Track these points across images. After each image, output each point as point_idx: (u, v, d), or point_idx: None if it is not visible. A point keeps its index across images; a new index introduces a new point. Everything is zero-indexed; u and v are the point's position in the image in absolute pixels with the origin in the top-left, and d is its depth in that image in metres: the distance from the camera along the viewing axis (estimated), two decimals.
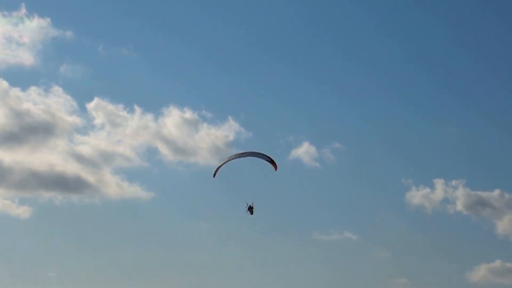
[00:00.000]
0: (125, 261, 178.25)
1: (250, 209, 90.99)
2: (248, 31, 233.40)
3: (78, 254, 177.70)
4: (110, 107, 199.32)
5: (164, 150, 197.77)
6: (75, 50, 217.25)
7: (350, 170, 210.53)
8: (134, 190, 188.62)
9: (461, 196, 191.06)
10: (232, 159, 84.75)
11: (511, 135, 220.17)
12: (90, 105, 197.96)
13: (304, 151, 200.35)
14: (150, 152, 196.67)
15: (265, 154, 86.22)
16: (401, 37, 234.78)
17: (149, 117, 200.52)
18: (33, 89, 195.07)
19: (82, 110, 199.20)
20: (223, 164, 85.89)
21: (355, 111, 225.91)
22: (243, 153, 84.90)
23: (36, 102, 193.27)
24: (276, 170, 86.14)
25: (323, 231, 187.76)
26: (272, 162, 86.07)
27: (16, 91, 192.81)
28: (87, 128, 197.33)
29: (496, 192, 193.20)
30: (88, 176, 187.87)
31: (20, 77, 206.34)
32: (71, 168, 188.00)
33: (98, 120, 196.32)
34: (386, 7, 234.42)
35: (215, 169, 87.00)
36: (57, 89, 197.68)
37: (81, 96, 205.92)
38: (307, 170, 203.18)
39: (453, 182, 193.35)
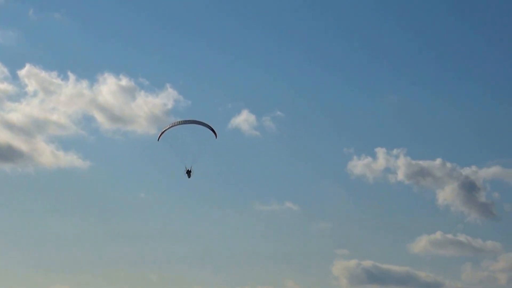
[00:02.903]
0: (61, 231, 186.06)
1: (188, 172, 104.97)
2: None
3: (12, 225, 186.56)
4: (43, 74, 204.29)
5: (100, 118, 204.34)
6: (4, 14, 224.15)
7: (291, 139, 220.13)
8: (70, 159, 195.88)
9: (402, 165, 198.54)
10: (176, 125, 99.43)
11: (452, 103, 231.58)
12: (22, 72, 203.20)
13: (244, 119, 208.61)
14: (86, 120, 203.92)
15: (206, 124, 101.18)
16: (338, 7, 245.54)
17: (84, 84, 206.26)
18: None
19: (13, 77, 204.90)
20: (167, 129, 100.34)
21: (296, 79, 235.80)
22: (187, 120, 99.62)
23: None
24: (216, 137, 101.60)
25: (264, 201, 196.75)
26: (213, 130, 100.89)
27: None
28: (19, 95, 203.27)
29: (438, 161, 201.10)
30: (20, 144, 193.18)
31: None
32: (2, 136, 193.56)
33: (31, 87, 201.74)
34: None
35: (160, 133, 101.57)
36: None
37: (11, 62, 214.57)
38: (246, 139, 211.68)
39: (394, 151, 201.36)
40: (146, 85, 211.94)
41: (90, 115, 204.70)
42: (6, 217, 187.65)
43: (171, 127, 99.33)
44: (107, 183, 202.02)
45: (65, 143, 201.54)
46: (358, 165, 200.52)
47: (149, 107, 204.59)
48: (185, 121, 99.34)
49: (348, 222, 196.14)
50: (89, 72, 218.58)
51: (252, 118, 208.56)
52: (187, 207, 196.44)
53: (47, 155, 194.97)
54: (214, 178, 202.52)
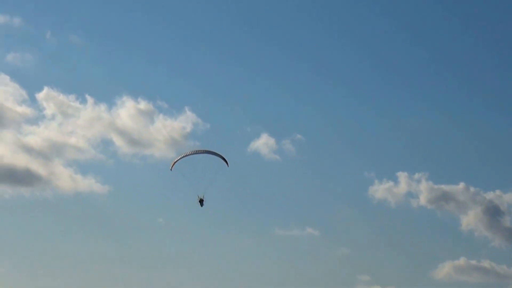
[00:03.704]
0: (79, 257, 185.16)
1: (201, 201, 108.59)
2: (203, 18, 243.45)
3: (29, 249, 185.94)
4: (61, 97, 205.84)
5: (118, 141, 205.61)
6: (22, 37, 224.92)
7: (312, 163, 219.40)
8: (89, 183, 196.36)
9: (424, 190, 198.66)
10: (189, 154, 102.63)
11: (474, 127, 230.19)
12: (40, 95, 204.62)
13: (263, 142, 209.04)
14: (104, 144, 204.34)
15: (218, 153, 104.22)
16: (360, 31, 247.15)
17: (102, 107, 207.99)
18: None
19: (32, 100, 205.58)
20: (180, 158, 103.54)
21: (316, 102, 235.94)
22: (199, 150, 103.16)
23: None
24: (228, 166, 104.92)
25: (284, 227, 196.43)
26: (224, 160, 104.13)
27: None
28: (38, 118, 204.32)
29: (461, 185, 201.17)
30: (38, 168, 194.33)
31: None
32: (21, 160, 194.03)
33: (49, 110, 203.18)
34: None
35: (172, 163, 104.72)
36: (3, 78, 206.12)
37: (30, 85, 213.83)
38: (266, 163, 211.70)
39: (416, 176, 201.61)
40: (165, 108, 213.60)
41: (109, 138, 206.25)
42: (23, 242, 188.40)
43: (183, 157, 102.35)
44: (125, 208, 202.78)
45: (83, 167, 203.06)
46: (380, 190, 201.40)
47: (167, 130, 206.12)
48: (197, 151, 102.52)
49: (370, 247, 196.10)
50: (107, 95, 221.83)
51: (271, 141, 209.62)
52: (206, 232, 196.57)
53: (65, 179, 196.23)
54: (234, 202, 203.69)
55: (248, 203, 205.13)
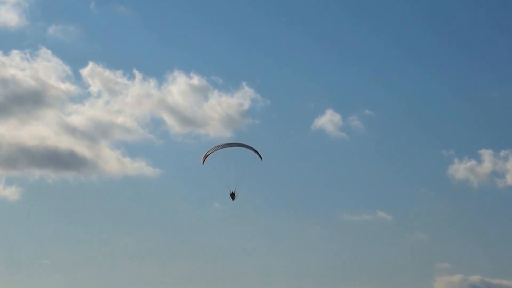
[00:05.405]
0: (129, 245, 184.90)
1: (232, 195, 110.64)
2: None
3: (75, 240, 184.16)
4: (107, 73, 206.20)
5: (170, 120, 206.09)
6: (64, 8, 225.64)
7: (382, 141, 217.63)
8: (138, 166, 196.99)
9: None
10: (220, 148, 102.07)
11: None
12: (84, 71, 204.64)
13: (328, 119, 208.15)
14: (155, 123, 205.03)
15: (250, 146, 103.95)
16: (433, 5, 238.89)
17: (151, 83, 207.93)
18: (16, 53, 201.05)
19: (76, 76, 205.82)
20: (211, 152, 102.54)
21: (387, 73, 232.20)
22: (231, 143, 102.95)
23: (22, 68, 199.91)
24: (261, 160, 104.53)
25: (353, 211, 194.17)
26: (257, 153, 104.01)
27: None
28: (82, 96, 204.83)
29: None
30: (83, 150, 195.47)
31: (3, 39, 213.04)
32: (64, 142, 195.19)
33: (94, 87, 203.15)
34: None
35: (203, 156, 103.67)
36: (45, 52, 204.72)
37: (73, 61, 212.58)
38: (331, 142, 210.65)
39: (502, 153, 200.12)
40: (220, 83, 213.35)
41: (159, 117, 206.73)
42: (69, 230, 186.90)
43: (214, 150, 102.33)
44: (177, 192, 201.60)
45: (131, 149, 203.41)
46: (461, 169, 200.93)
47: (223, 108, 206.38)
48: (229, 144, 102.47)
49: (450, 233, 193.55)
50: (157, 70, 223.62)
51: (337, 118, 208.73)
52: (267, 218, 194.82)
53: (113, 162, 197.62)
54: (297, 185, 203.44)
55: (312, 185, 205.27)
